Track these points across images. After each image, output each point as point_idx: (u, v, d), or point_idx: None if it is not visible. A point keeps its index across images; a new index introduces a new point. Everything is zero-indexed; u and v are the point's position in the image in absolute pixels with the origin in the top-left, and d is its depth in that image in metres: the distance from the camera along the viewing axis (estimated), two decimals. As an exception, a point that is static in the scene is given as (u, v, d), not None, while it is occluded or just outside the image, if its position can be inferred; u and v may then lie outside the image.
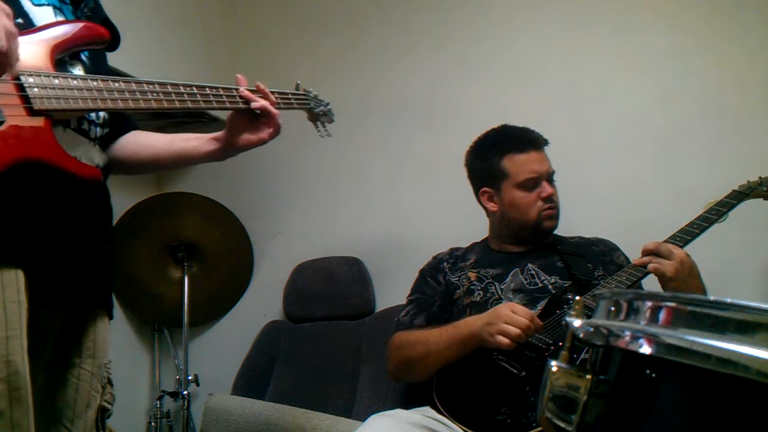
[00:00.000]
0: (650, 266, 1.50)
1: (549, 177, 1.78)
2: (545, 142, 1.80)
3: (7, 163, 0.93)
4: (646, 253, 1.54)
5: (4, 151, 0.93)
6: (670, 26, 2.11)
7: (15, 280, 0.98)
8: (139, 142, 1.35)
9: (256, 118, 1.34)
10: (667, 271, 1.47)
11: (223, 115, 2.37)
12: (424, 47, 2.46)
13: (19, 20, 1.02)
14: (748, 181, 1.68)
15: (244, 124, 1.34)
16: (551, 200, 1.76)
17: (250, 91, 1.33)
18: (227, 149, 1.36)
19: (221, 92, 1.27)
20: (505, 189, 1.77)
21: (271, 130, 1.34)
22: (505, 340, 1.46)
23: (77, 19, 1.17)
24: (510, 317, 1.48)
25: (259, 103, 1.32)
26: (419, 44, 2.47)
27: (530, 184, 1.75)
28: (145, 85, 1.14)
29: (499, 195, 1.80)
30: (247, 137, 1.34)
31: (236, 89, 1.31)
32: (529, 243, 1.81)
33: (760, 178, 1.68)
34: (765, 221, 1.83)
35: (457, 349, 1.58)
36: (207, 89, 1.25)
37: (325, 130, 1.58)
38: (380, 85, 2.51)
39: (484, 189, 1.83)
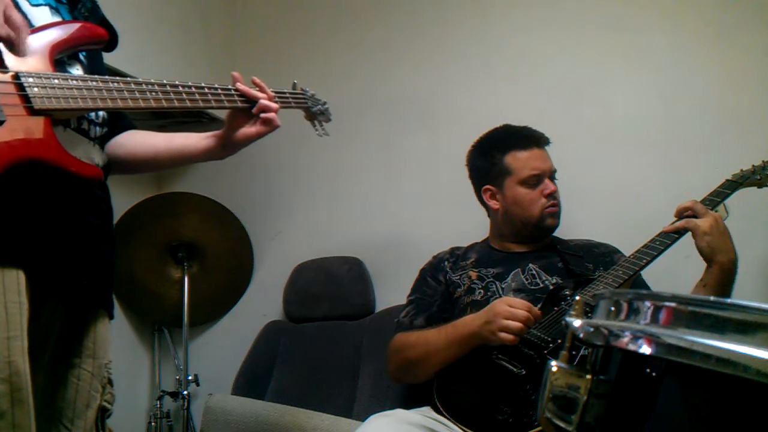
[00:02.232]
0: (684, 221, 1.52)
1: (551, 175, 1.79)
2: (547, 141, 1.81)
3: (8, 162, 0.93)
4: (682, 210, 1.55)
5: (6, 151, 0.93)
6: (670, 26, 2.11)
7: (16, 280, 0.98)
8: (138, 141, 1.35)
9: (254, 114, 1.34)
10: (702, 225, 1.48)
11: (223, 114, 2.37)
12: (424, 47, 2.46)
13: None
14: (741, 170, 1.66)
15: (242, 121, 1.34)
16: (554, 197, 1.77)
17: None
18: (227, 145, 1.36)
19: (219, 91, 1.28)
20: (508, 186, 1.78)
21: (269, 123, 1.34)
22: (508, 336, 1.47)
23: (75, 19, 1.17)
24: (508, 312, 1.48)
25: (259, 104, 1.32)
26: (419, 44, 2.47)
27: (533, 181, 1.76)
28: (144, 85, 1.15)
29: (501, 192, 1.80)
30: (246, 131, 1.34)
31: (234, 89, 1.31)
32: (530, 242, 1.81)
33: (753, 166, 1.66)
34: (765, 220, 1.83)
35: (456, 350, 1.58)
36: (205, 89, 1.25)
37: (323, 129, 1.58)
38: (380, 85, 2.51)
39: (487, 187, 1.84)
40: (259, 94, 1.33)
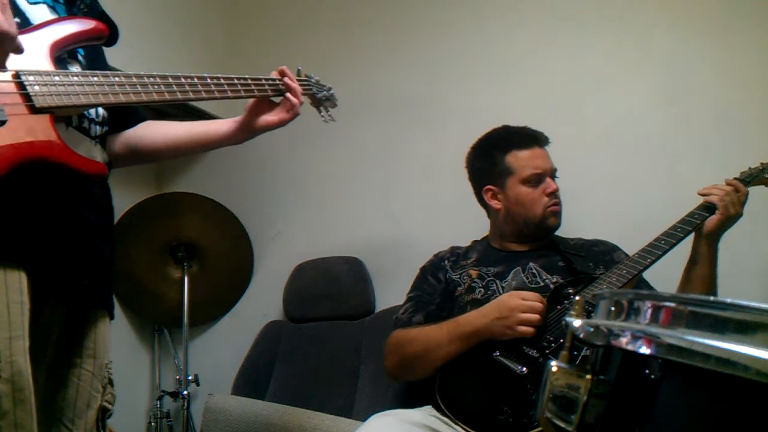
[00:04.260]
0: (718, 198, 1.58)
1: (552, 173, 1.80)
2: (546, 140, 1.82)
3: (12, 164, 0.93)
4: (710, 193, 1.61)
5: (9, 152, 0.93)
6: (670, 25, 2.11)
7: (18, 280, 0.98)
8: (157, 131, 1.37)
9: (276, 103, 1.38)
10: (735, 216, 1.58)
11: (223, 113, 2.37)
12: (424, 47, 2.46)
13: (17, 19, 1.02)
14: (750, 168, 1.67)
15: (263, 108, 1.37)
16: (556, 196, 1.77)
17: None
18: (246, 131, 1.38)
19: (222, 80, 1.27)
20: (510, 185, 1.78)
21: (291, 110, 1.38)
22: (528, 330, 1.49)
23: (74, 15, 1.17)
24: (524, 305, 1.51)
25: (290, 92, 1.38)
26: (420, 44, 2.47)
27: (535, 180, 1.76)
28: (145, 78, 1.14)
29: (503, 192, 1.80)
30: (267, 119, 1.37)
31: (243, 78, 1.32)
32: (531, 241, 1.81)
33: (761, 164, 1.66)
34: (765, 219, 1.83)
35: (458, 346, 1.58)
36: (207, 79, 1.25)
37: (329, 115, 1.58)
38: (381, 85, 2.51)
39: (488, 187, 1.84)
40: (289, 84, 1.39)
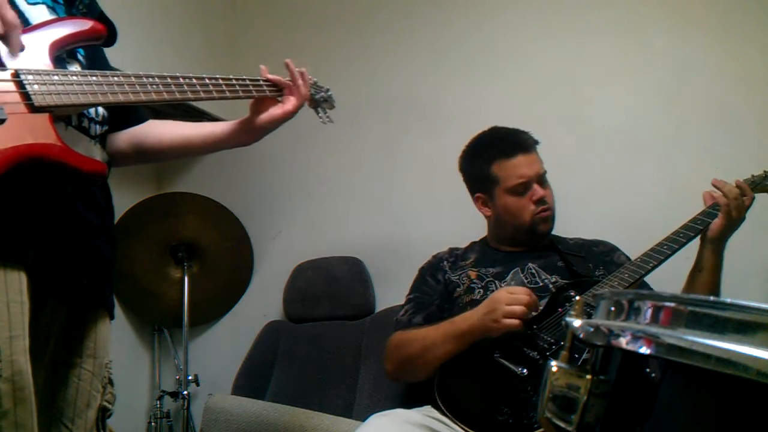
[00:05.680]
0: (719, 195, 1.57)
1: (540, 178, 1.77)
2: (534, 143, 1.79)
3: (11, 162, 0.93)
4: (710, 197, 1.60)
5: (8, 151, 0.93)
6: (670, 25, 2.11)
7: (18, 280, 0.98)
8: (165, 129, 1.37)
9: (278, 99, 1.38)
10: (735, 222, 1.57)
11: (223, 114, 2.37)
12: (425, 47, 2.46)
13: None
14: (753, 175, 1.66)
15: (267, 104, 1.37)
16: (544, 202, 1.75)
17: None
18: (252, 130, 1.37)
19: (220, 81, 1.27)
20: (498, 195, 1.78)
21: (294, 101, 1.37)
22: (513, 322, 1.47)
23: (72, 16, 1.17)
24: (510, 298, 1.50)
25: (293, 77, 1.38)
26: (420, 44, 2.47)
27: (520, 189, 1.75)
28: (144, 78, 1.14)
29: (492, 201, 1.81)
30: (272, 113, 1.36)
31: (242, 78, 1.31)
32: (526, 244, 1.81)
33: (765, 171, 1.66)
34: (765, 219, 1.83)
35: (454, 345, 1.58)
36: (206, 79, 1.24)
37: (327, 116, 1.58)
38: (381, 85, 2.51)
39: (478, 195, 1.85)
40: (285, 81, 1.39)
